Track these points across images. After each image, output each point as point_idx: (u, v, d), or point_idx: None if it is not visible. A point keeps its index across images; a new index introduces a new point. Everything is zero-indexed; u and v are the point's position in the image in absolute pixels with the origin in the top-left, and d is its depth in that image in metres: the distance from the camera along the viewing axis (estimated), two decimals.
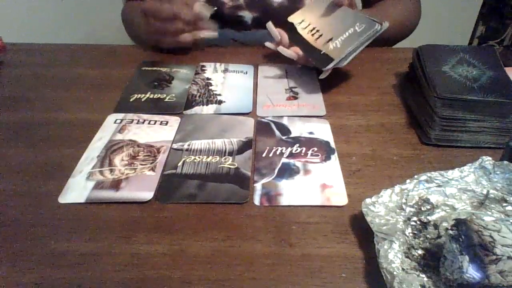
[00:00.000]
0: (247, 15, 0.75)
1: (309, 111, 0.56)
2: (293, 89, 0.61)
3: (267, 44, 0.65)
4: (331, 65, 0.57)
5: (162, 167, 0.47)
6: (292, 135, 0.52)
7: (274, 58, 0.68)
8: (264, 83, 0.63)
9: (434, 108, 0.50)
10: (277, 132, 0.53)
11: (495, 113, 0.50)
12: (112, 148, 0.49)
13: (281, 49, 0.62)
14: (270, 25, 0.64)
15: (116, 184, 0.44)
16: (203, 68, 0.66)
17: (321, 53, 0.59)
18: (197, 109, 0.57)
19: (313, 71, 0.65)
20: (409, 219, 0.39)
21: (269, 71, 0.66)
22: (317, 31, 0.62)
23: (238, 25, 0.76)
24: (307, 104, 0.58)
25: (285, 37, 0.64)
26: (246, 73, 0.65)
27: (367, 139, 0.52)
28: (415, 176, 0.41)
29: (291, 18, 0.67)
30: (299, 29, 0.64)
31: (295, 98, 0.59)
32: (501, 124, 0.50)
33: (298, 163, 0.48)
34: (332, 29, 0.60)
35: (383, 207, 0.39)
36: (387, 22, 0.58)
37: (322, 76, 0.59)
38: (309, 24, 0.64)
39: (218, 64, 0.67)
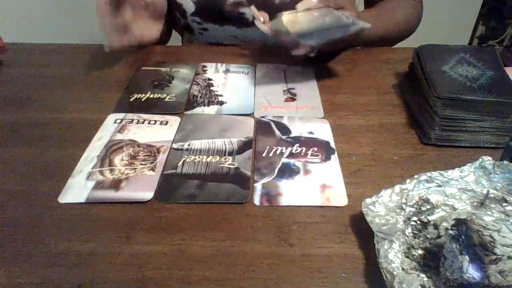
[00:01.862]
0: (249, 12, 0.75)
1: (307, 113, 0.56)
2: (291, 90, 0.61)
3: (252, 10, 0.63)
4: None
5: (162, 167, 0.47)
6: (292, 135, 0.52)
7: (274, 58, 0.68)
8: (262, 84, 0.63)
9: (434, 108, 0.50)
10: (277, 132, 0.53)
11: (495, 113, 0.50)
12: (112, 148, 0.49)
13: (257, 22, 0.60)
14: (253, 8, 0.62)
15: (116, 184, 0.44)
16: (204, 68, 0.66)
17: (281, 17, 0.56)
18: (198, 110, 0.57)
19: (312, 72, 0.65)
20: (409, 219, 0.39)
21: (267, 71, 0.66)
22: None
23: (239, 22, 0.75)
24: (305, 106, 0.58)
25: (265, 16, 0.62)
26: (248, 73, 0.65)
27: (367, 139, 0.52)
28: (415, 176, 0.41)
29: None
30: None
31: (293, 99, 0.59)
32: (501, 124, 0.50)
33: (298, 163, 0.48)
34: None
35: (383, 207, 0.39)
36: (368, 24, 0.57)
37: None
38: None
39: (219, 65, 0.67)
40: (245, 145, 0.50)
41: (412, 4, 0.79)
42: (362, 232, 0.39)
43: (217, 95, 0.60)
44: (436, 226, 0.38)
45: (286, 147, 0.50)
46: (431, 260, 0.35)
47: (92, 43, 0.74)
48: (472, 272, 0.31)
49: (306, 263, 0.37)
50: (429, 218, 0.39)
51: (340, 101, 0.59)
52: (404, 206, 0.39)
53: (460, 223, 0.33)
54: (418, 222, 0.38)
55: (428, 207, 0.39)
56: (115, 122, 0.54)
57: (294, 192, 0.44)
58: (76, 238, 0.39)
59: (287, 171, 0.47)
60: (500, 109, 0.50)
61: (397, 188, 0.41)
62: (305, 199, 0.43)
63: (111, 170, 0.46)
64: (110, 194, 0.43)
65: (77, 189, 0.44)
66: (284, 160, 0.48)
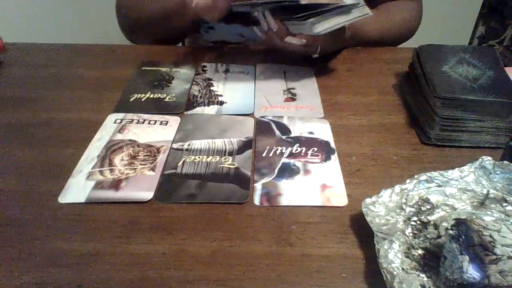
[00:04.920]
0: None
1: (307, 113, 0.56)
2: (291, 90, 0.61)
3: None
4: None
5: (162, 167, 0.47)
6: (292, 135, 0.52)
7: (274, 58, 0.68)
8: (262, 84, 0.63)
9: (434, 108, 0.50)
10: (277, 132, 0.53)
11: (495, 113, 0.50)
12: (112, 148, 0.49)
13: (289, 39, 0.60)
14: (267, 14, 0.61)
15: (116, 184, 0.44)
16: (204, 69, 0.66)
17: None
18: (198, 110, 0.57)
19: (312, 72, 0.65)
20: (409, 219, 0.39)
21: (267, 71, 0.66)
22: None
23: (246, 19, 0.75)
24: (305, 106, 0.58)
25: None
26: (248, 73, 0.65)
27: (367, 139, 0.52)
28: (415, 176, 0.41)
29: None
30: None
31: (293, 99, 0.59)
32: (501, 124, 0.50)
33: (298, 163, 0.48)
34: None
35: (383, 207, 0.39)
36: (369, 11, 0.57)
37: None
38: None
39: (219, 65, 0.67)
40: (245, 145, 0.50)
41: (412, 6, 0.79)
42: (362, 232, 0.39)
43: (217, 95, 0.60)
44: (436, 226, 0.38)
45: (286, 147, 0.50)
46: (431, 260, 0.35)
47: (92, 43, 0.74)
48: (472, 272, 0.31)
49: (306, 263, 0.37)
50: (429, 218, 0.39)
51: (340, 101, 0.59)
52: (404, 206, 0.39)
53: (460, 223, 0.33)
54: (418, 222, 0.38)
55: (428, 207, 0.39)
56: (115, 122, 0.54)
57: (294, 192, 0.44)
58: (76, 238, 0.39)
59: (287, 171, 0.47)
60: (500, 109, 0.50)
61: (397, 188, 0.41)
62: (305, 199, 0.43)
63: (111, 170, 0.46)
64: (110, 194, 0.43)
65: (77, 189, 0.44)
66: (284, 160, 0.48)
